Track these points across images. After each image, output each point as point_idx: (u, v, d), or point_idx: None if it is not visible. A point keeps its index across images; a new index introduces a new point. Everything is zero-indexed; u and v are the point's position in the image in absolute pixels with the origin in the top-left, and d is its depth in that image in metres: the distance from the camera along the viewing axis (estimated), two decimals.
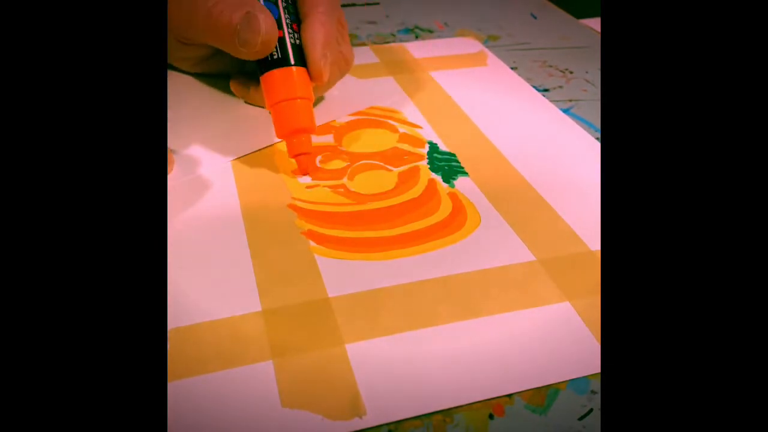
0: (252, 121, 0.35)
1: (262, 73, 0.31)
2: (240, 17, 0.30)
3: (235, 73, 0.37)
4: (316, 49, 0.31)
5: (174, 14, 0.32)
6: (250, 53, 0.31)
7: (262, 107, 0.36)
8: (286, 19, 0.32)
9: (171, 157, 0.31)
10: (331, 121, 0.36)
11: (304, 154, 0.31)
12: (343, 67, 0.35)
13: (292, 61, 0.31)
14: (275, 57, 0.31)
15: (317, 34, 0.31)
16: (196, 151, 0.33)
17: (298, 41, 0.32)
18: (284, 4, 0.32)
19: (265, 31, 0.30)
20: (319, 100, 0.38)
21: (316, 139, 0.34)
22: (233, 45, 0.31)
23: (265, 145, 0.33)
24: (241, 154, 0.33)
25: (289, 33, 0.32)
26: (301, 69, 0.31)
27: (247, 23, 0.30)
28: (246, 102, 0.37)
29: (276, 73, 0.31)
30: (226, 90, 0.37)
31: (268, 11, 0.31)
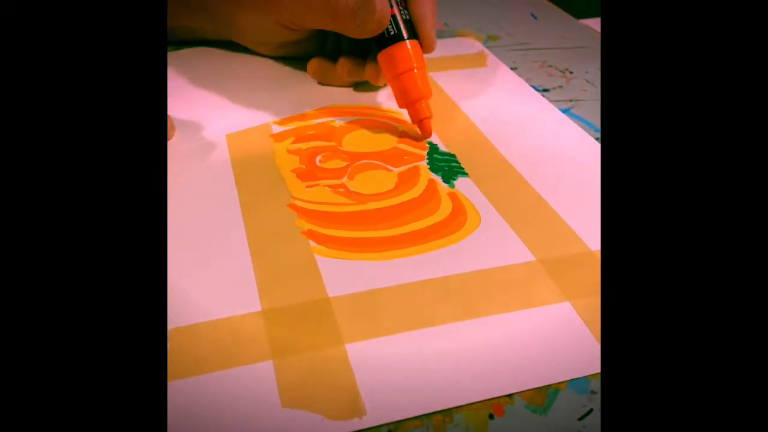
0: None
1: (380, 49, 0.35)
2: (356, 0, 0.33)
3: (314, 56, 0.39)
4: (426, 22, 0.35)
5: (288, 2, 0.35)
6: (366, 32, 0.34)
7: (339, 86, 0.39)
8: None
9: (171, 123, 0.34)
10: (330, 113, 0.36)
11: (427, 118, 0.34)
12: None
13: (406, 36, 0.34)
14: (391, 33, 0.34)
15: (426, 9, 0.35)
16: (197, 145, 0.33)
17: (407, 16, 0.35)
18: None
19: (380, 9, 0.33)
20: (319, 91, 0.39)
21: (316, 139, 0.34)
22: (351, 26, 0.34)
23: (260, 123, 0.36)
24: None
25: (399, 10, 0.35)
26: (414, 42, 0.35)
27: (363, 4, 0.33)
28: (320, 83, 0.40)
29: (394, 49, 0.34)
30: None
31: None
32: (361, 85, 0.40)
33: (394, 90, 0.35)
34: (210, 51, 0.43)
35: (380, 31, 0.34)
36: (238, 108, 0.37)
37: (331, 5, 0.34)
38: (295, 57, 0.41)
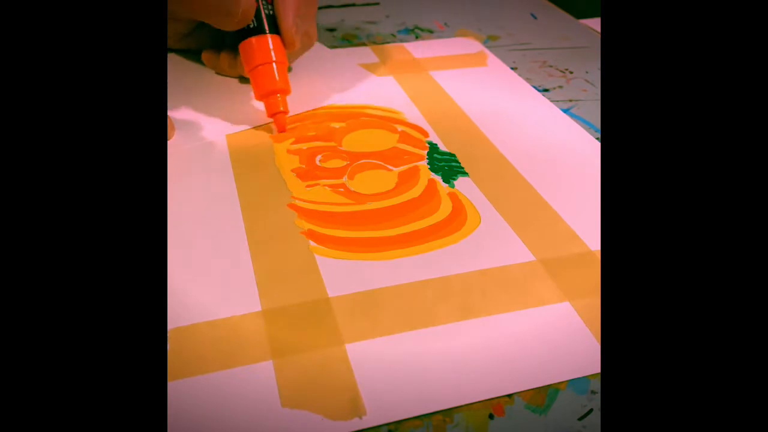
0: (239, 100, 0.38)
1: (240, 41, 0.35)
2: None
3: (208, 49, 0.40)
4: (288, 19, 0.35)
5: None
6: (231, 23, 0.34)
7: (231, 77, 0.40)
8: None
9: (171, 123, 0.34)
10: (329, 109, 0.36)
11: (281, 113, 0.34)
12: (306, 43, 0.38)
13: (267, 30, 0.35)
14: (252, 26, 0.35)
15: (288, 6, 0.35)
16: (195, 145, 0.33)
17: (271, 12, 0.36)
18: None
19: (245, 2, 0.34)
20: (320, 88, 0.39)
21: (316, 140, 0.34)
22: (217, 18, 0.35)
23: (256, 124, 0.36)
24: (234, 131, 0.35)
25: (263, 5, 0.35)
26: (275, 36, 0.35)
27: None
28: (217, 73, 0.40)
29: (253, 41, 0.35)
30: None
31: None
32: (360, 85, 0.40)
33: (251, 82, 0.35)
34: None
35: (245, 24, 0.35)
36: (237, 108, 0.37)
37: None
38: (197, 50, 0.41)
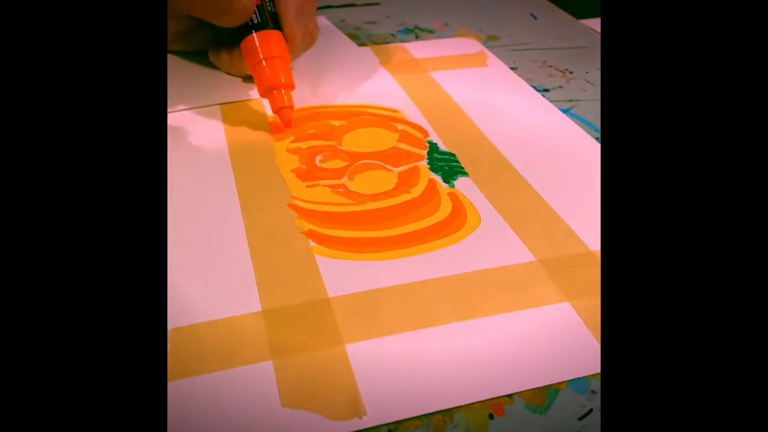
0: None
1: (243, 37, 0.35)
2: None
3: (212, 47, 0.39)
4: (289, 14, 0.35)
5: None
6: (231, 20, 0.34)
7: (238, 75, 0.39)
8: None
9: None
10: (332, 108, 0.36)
11: (286, 107, 0.34)
12: (307, 40, 0.38)
13: (270, 25, 0.35)
14: (255, 22, 0.35)
15: (290, 2, 0.35)
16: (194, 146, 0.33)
17: (273, 9, 0.36)
18: None
19: None
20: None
21: (316, 138, 0.34)
22: (216, 15, 0.34)
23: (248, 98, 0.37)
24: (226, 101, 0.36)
25: (265, 1, 0.36)
26: (277, 32, 0.35)
27: None
28: (225, 72, 0.40)
29: (256, 36, 0.35)
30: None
31: None
32: (360, 85, 0.40)
33: (255, 79, 0.35)
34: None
35: (243, 21, 0.35)
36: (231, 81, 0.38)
37: None
38: (197, 52, 0.41)
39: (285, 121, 0.34)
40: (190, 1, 0.35)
